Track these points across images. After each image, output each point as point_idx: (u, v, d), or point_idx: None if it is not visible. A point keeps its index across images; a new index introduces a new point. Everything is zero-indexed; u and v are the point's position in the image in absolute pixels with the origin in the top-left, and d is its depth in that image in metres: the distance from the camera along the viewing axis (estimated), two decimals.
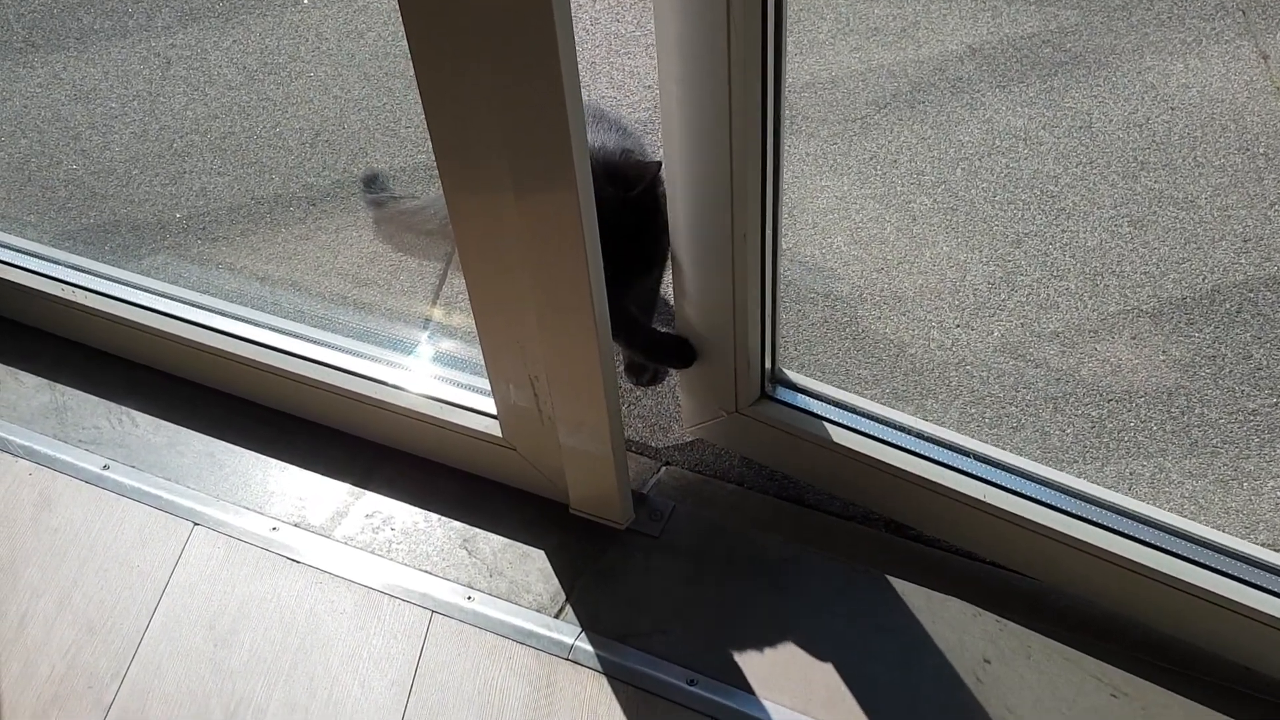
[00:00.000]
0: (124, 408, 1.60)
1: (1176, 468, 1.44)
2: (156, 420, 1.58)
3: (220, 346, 1.54)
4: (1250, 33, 2.05)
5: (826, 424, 1.37)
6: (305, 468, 1.51)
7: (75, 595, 1.39)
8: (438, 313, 1.74)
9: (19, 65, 2.29)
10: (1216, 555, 1.21)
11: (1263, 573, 1.19)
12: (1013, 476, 1.29)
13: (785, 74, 1.15)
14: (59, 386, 1.64)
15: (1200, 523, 1.25)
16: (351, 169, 2.00)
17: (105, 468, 1.52)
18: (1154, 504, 1.29)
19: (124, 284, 1.63)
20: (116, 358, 1.67)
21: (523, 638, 1.30)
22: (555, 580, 1.35)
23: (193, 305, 1.59)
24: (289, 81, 2.19)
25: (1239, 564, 1.20)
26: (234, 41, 2.30)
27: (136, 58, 2.28)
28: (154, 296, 1.61)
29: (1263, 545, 1.29)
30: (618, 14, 2.21)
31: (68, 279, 1.64)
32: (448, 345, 1.67)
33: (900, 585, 1.32)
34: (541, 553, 1.39)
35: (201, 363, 1.58)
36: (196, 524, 1.45)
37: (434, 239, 1.77)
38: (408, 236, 1.86)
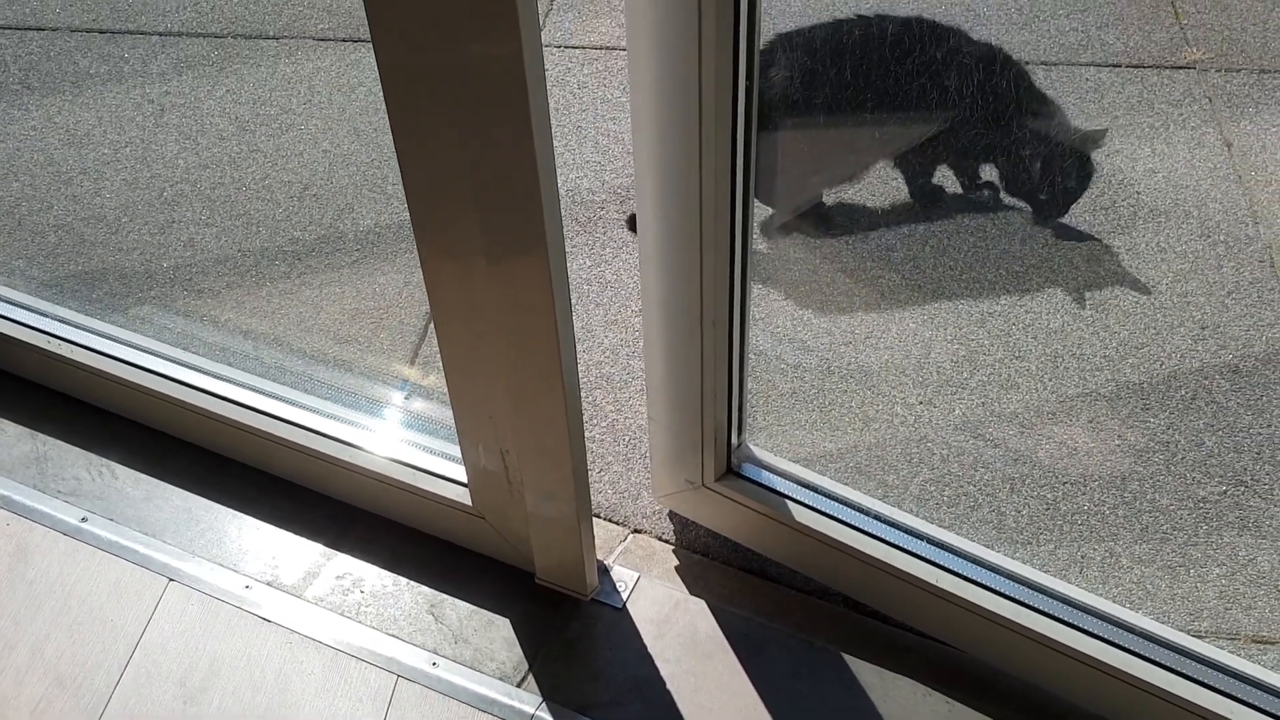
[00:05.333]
0: (104, 459, 1.63)
1: (1127, 553, 1.48)
2: (136, 473, 1.61)
3: (201, 404, 1.57)
4: (1215, 120, 2.11)
5: (789, 502, 1.41)
6: (280, 526, 1.54)
7: (48, 648, 1.41)
8: (415, 373, 1.78)
9: (13, 108, 2.33)
10: (1161, 649, 1.24)
11: (1205, 669, 1.23)
12: (965, 562, 1.33)
13: (754, 179, 1.20)
14: (40, 436, 1.67)
15: (1143, 612, 1.29)
16: (338, 224, 2.04)
17: (83, 520, 1.55)
18: (1102, 589, 1.33)
19: (109, 339, 1.66)
20: (99, 409, 1.70)
21: (485, 705, 1.33)
22: (519, 649, 1.39)
23: (176, 362, 1.62)
24: (280, 134, 2.24)
25: (1183, 659, 1.23)
26: (227, 91, 2.34)
27: (131, 104, 2.32)
28: (138, 352, 1.64)
29: (1205, 634, 1.34)
30: (605, 79, 2.26)
31: (54, 331, 1.67)
32: (423, 407, 1.70)
33: (855, 664, 1.35)
34: (507, 621, 1.42)
35: (183, 418, 1.62)
36: (171, 579, 1.48)
37: None
38: None
